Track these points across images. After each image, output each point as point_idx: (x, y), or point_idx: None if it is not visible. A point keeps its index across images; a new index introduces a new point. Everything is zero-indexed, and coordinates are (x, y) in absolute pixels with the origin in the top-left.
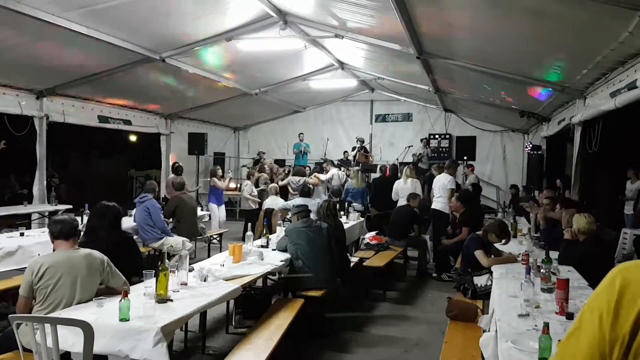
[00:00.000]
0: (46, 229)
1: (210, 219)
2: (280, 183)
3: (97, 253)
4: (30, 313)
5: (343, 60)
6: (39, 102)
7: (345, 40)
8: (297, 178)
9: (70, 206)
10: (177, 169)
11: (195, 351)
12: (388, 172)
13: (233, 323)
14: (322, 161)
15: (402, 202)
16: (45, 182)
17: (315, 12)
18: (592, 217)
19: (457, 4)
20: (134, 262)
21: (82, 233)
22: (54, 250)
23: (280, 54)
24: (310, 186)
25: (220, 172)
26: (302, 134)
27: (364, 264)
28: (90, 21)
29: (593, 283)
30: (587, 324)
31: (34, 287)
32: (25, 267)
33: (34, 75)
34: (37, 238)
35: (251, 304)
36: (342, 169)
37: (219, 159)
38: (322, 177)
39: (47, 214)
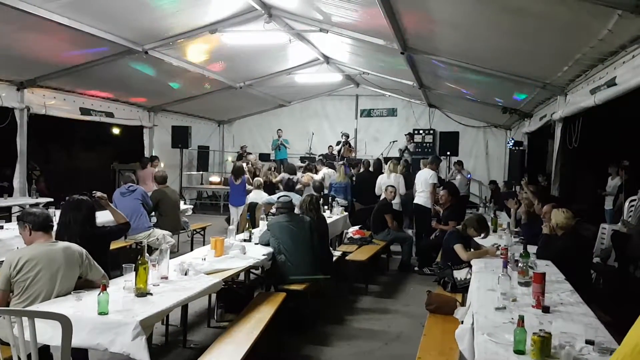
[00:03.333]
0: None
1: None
2: (274, 180)
3: (75, 246)
4: (8, 306)
5: (328, 55)
6: (19, 94)
7: (330, 35)
8: (289, 176)
9: (52, 199)
10: (143, 161)
11: (176, 345)
12: (361, 168)
13: (215, 317)
14: (307, 156)
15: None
16: (26, 175)
17: (300, 6)
18: (571, 212)
19: None
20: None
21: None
22: (27, 244)
23: (265, 48)
24: (295, 180)
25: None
26: (280, 130)
27: (347, 258)
28: (71, 12)
29: (570, 277)
30: None
31: (11, 281)
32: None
33: (15, 66)
34: (17, 231)
35: (233, 298)
36: (341, 164)
37: (203, 152)
38: (316, 177)
39: (27, 207)
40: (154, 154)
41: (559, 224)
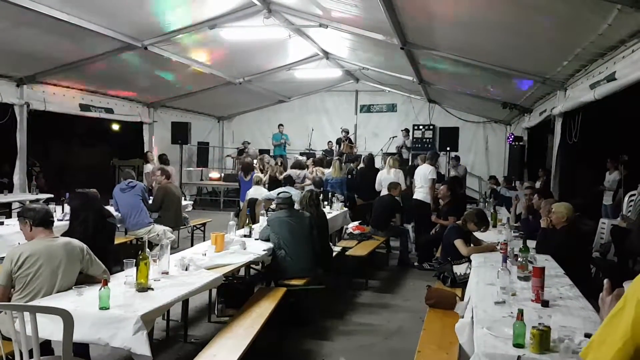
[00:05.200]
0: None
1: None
2: (280, 177)
3: (76, 242)
4: (9, 302)
5: (328, 50)
6: (19, 90)
7: (330, 30)
8: (297, 171)
9: (51, 195)
10: (164, 160)
11: (177, 340)
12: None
13: (215, 312)
14: (306, 151)
15: (385, 192)
16: (25, 171)
17: (300, 1)
18: (571, 205)
19: None
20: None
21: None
22: (28, 240)
23: (265, 43)
24: (303, 176)
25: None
26: (281, 125)
27: (347, 253)
28: (70, 8)
29: (569, 271)
30: (627, 304)
31: (13, 276)
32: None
33: (14, 62)
34: (18, 227)
35: (233, 293)
36: (336, 159)
37: (203, 148)
38: (327, 171)
39: (27, 202)
40: (149, 150)
41: (565, 214)
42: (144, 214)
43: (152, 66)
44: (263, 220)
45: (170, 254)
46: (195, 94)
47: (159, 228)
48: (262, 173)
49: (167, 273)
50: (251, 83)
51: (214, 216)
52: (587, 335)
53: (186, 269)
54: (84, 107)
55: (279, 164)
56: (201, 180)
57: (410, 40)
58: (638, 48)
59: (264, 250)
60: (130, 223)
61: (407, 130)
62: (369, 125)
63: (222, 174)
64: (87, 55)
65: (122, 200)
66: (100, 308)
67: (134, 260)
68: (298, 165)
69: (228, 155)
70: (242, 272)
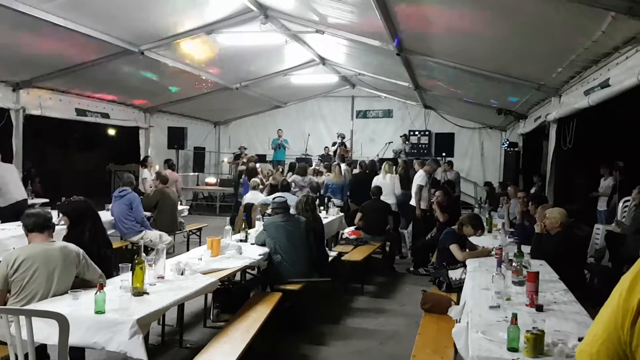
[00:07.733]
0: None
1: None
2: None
3: (72, 246)
4: (5, 305)
5: (324, 56)
6: (15, 94)
7: (326, 36)
8: (300, 177)
9: (47, 200)
10: (170, 165)
11: (172, 345)
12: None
13: (211, 317)
14: (303, 157)
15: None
16: (21, 176)
17: (296, 7)
18: (565, 211)
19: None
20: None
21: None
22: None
23: (261, 49)
24: (307, 182)
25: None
26: (280, 130)
27: (343, 258)
28: (67, 13)
29: (564, 276)
30: (612, 298)
31: (9, 280)
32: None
33: (10, 66)
34: (13, 231)
35: (229, 298)
36: (335, 164)
37: (199, 153)
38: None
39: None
40: (148, 155)
41: (559, 220)
42: (128, 223)
43: (149, 71)
44: (259, 225)
45: (166, 258)
46: (192, 99)
47: (151, 234)
48: (265, 179)
49: (162, 277)
50: (248, 88)
51: (210, 221)
52: (581, 340)
53: (182, 274)
54: (80, 112)
55: (279, 170)
56: (197, 185)
57: (406, 47)
58: (632, 55)
59: (260, 254)
60: (121, 231)
61: (406, 136)
62: (365, 131)
63: (219, 179)
64: (84, 60)
65: (114, 207)
66: (96, 312)
67: (130, 264)
68: (302, 172)
69: (223, 161)
70: (238, 277)
